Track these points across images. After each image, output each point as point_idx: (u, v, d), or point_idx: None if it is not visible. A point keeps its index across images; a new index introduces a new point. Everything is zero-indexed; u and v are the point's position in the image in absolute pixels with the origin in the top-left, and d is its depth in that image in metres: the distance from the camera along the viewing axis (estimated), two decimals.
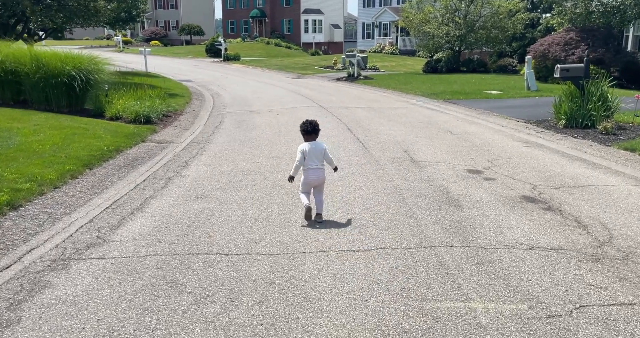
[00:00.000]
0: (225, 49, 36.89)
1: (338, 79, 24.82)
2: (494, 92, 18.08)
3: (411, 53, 40.82)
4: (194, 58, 40.24)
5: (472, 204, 6.01)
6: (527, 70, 17.80)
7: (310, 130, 5.57)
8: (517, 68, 27.20)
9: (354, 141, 9.92)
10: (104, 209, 5.79)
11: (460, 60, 27.86)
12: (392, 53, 41.63)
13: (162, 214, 5.66)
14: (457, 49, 27.99)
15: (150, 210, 5.81)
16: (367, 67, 28.70)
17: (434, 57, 28.89)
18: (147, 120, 11.44)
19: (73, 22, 19.97)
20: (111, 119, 11.64)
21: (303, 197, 5.49)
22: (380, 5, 46.61)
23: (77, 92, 11.78)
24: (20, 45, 14.92)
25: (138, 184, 6.88)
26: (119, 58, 36.52)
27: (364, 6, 49.40)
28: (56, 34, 58.56)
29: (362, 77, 24.45)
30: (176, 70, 29.97)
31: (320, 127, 5.71)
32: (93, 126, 10.38)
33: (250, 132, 11.04)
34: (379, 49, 42.94)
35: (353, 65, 24.90)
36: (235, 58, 36.57)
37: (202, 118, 13.27)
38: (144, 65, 27.46)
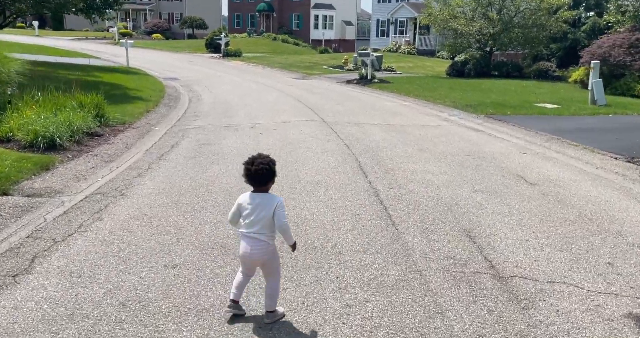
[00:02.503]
0: (226, 44, 32.55)
1: (348, 82, 20.47)
2: (548, 105, 13.64)
3: (430, 53, 36.28)
4: (193, 53, 35.93)
5: None
6: (594, 79, 13.33)
7: (254, 175, 3.01)
8: (557, 73, 22.68)
9: (369, 198, 5.60)
10: None
11: (491, 63, 23.34)
12: (409, 53, 37.08)
13: None
14: (488, 49, 23.47)
15: None
16: (382, 68, 24.31)
17: (457, 59, 24.40)
18: (51, 145, 7.19)
19: (36, 6, 15.77)
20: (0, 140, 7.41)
21: (235, 279, 3.19)
22: (397, 1, 42.00)
23: None
24: None
25: None
26: (109, 51, 32.35)
27: (378, 1, 44.77)
28: (55, 23, 54.63)
29: (376, 80, 20.07)
30: (167, 65, 25.76)
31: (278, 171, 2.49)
32: None
33: (207, 168, 6.77)
34: (395, 48, 38.39)
35: (366, 65, 20.52)
36: (235, 54, 32.27)
37: (152, 137, 9.00)
38: (130, 59, 23.27)
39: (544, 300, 3.47)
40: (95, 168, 6.75)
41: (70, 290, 3.44)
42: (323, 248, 4.22)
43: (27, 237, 4.35)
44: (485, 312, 3.30)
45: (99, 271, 3.72)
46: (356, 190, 5.96)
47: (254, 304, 3.30)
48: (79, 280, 3.59)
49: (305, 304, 3.34)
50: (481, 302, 3.42)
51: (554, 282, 3.74)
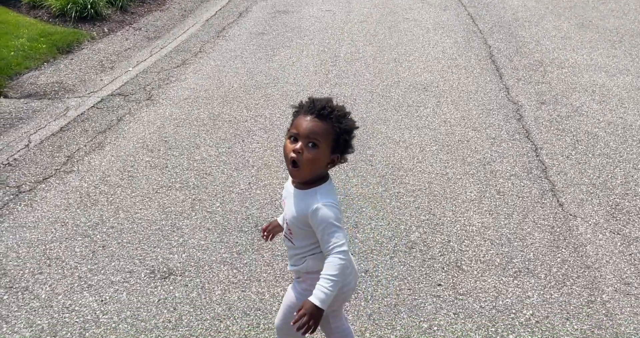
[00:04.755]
0: None
1: None
2: None
3: None
4: None
5: None
6: None
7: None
8: None
9: (507, 125, 3.37)
10: None
11: None
12: None
13: None
14: None
15: None
16: None
17: None
18: (84, 15, 5.47)
19: None
20: (32, 6, 5.80)
21: None
22: None
23: None
24: None
25: None
26: None
27: None
28: None
29: None
30: None
31: None
32: None
33: (274, 54, 4.75)
34: None
35: None
36: None
37: None
38: None
39: None
40: (132, 49, 5.01)
41: None
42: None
43: None
44: None
45: None
46: (485, 105, 3.71)
47: None
48: None
49: None
50: None
51: None
